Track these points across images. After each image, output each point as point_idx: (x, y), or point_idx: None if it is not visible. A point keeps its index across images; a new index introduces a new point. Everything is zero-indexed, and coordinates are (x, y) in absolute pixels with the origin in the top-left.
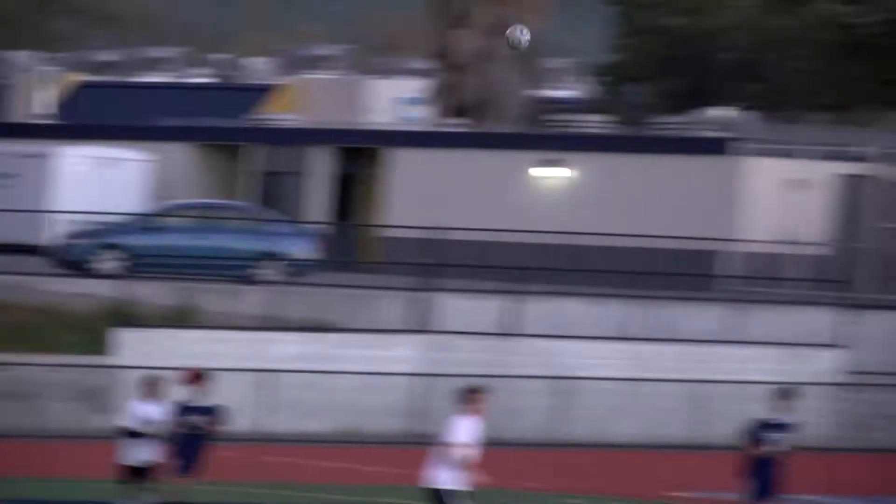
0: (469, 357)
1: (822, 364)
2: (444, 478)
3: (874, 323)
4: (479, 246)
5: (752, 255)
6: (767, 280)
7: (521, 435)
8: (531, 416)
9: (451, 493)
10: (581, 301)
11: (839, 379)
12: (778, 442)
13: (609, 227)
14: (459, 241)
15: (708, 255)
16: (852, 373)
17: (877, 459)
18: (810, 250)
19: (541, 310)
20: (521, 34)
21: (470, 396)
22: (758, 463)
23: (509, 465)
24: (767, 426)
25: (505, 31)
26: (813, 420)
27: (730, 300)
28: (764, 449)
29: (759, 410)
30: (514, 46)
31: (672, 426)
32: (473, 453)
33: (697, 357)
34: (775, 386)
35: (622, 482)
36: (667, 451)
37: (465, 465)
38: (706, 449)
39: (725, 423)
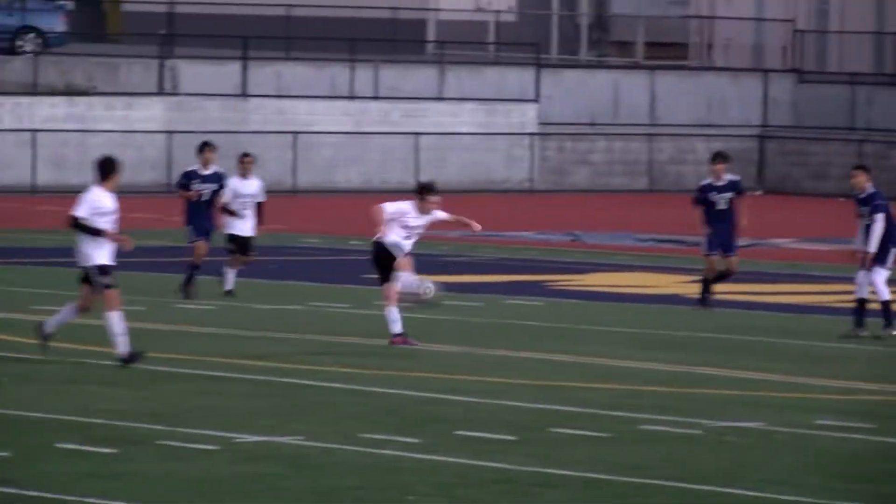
0: (209, 116)
1: (518, 117)
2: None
3: (564, 80)
4: (216, 18)
5: (458, 23)
6: (472, 44)
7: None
8: (270, 168)
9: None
10: (309, 65)
11: (532, 130)
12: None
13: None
14: (197, 14)
15: (420, 23)
16: (547, 123)
17: (568, 199)
18: (507, 17)
19: (273, 74)
20: None
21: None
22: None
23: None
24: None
25: None
26: (510, 167)
27: (435, 62)
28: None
29: (467, 158)
30: None
31: (391, 174)
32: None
33: (413, 112)
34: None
35: (351, 223)
36: (388, 195)
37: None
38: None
39: (437, 169)
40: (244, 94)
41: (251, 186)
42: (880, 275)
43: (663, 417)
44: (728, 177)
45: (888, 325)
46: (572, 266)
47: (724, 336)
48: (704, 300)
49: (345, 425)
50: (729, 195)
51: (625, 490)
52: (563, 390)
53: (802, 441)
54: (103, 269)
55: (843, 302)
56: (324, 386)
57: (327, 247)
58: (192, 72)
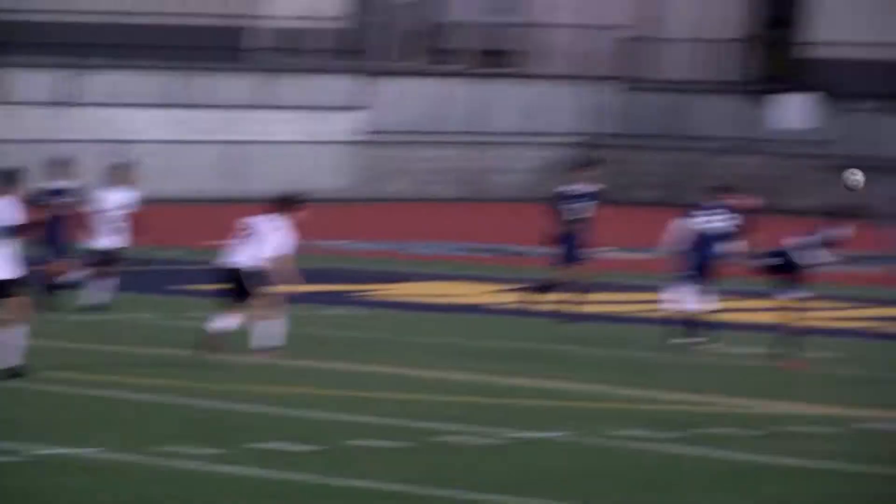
0: (33, 125)
1: (341, 125)
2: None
3: (389, 88)
4: (45, 25)
5: (278, 31)
6: (292, 51)
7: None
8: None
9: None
10: (133, 73)
11: (356, 138)
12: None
13: (154, 7)
14: (27, 22)
15: (237, 31)
16: (371, 132)
17: (390, 208)
18: (330, 24)
19: (96, 82)
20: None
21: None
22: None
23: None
24: None
25: None
26: (332, 175)
27: (259, 70)
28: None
29: (290, 166)
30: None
31: (212, 183)
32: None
33: (233, 121)
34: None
35: (178, 233)
36: (209, 205)
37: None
38: (242, 202)
39: (260, 178)
40: (68, 103)
41: (121, 197)
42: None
43: (466, 428)
44: (586, 185)
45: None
46: (391, 275)
47: (534, 346)
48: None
49: (146, 437)
50: (587, 203)
51: (425, 502)
52: (368, 402)
53: (604, 451)
54: None
55: (654, 312)
56: (127, 397)
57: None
58: (16, 78)
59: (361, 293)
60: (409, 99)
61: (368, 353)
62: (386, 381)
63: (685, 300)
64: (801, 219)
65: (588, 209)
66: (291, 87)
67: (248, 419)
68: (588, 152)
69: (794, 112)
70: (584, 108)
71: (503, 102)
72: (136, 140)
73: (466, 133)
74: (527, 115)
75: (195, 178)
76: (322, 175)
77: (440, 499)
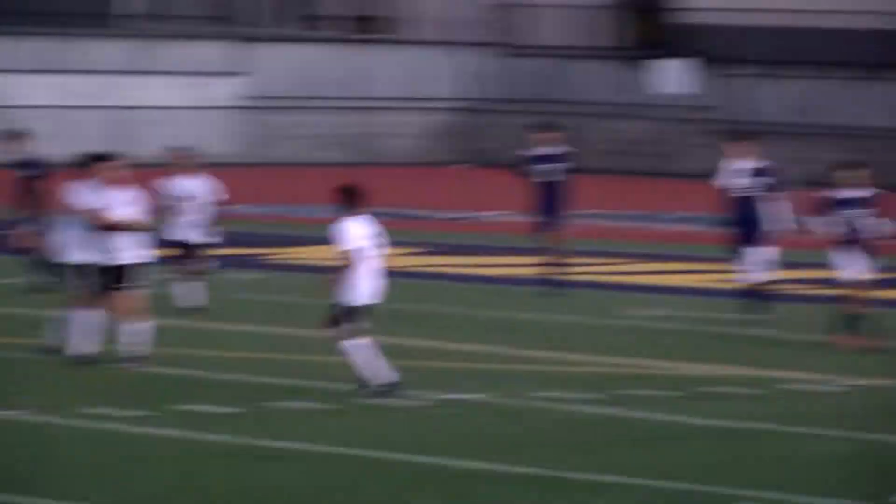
0: None
1: (222, 90)
2: None
3: (265, 54)
4: None
5: None
6: (163, 17)
7: None
8: None
9: None
10: (11, 38)
11: (238, 104)
12: None
13: None
14: None
15: None
16: (254, 97)
17: (275, 172)
18: None
19: None
20: None
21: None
22: None
23: None
24: None
25: None
26: (218, 140)
27: (134, 35)
28: None
29: (174, 132)
30: None
31: (92, 149)
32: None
33: (113, 86)
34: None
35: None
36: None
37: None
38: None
39: (143, 144)
40: None
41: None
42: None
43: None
44: (552, 147)
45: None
46: (284, 239)
47: (438, 308)
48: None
49: (67, 399)
50: (555, 166)
51: (356, 463)
52: (287, 364)
53: (524, 413)
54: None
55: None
56: (48, 360)
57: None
58: None
59: (258, 256)
60: (286, 65)
61: (272, 316)
62: (299, 343)
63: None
64: (684, 182)
65: (557, 172)
66: (167, 53)
67: (168, 382)
68: (548, 120)
69: (673, 77)
70: (462, 74)
71: (381, 69)
72: (17, 105)
73: (348, 98)
74: (406, 81)
75: (81, 143)
76: (208, 140)
77: (377, 460)
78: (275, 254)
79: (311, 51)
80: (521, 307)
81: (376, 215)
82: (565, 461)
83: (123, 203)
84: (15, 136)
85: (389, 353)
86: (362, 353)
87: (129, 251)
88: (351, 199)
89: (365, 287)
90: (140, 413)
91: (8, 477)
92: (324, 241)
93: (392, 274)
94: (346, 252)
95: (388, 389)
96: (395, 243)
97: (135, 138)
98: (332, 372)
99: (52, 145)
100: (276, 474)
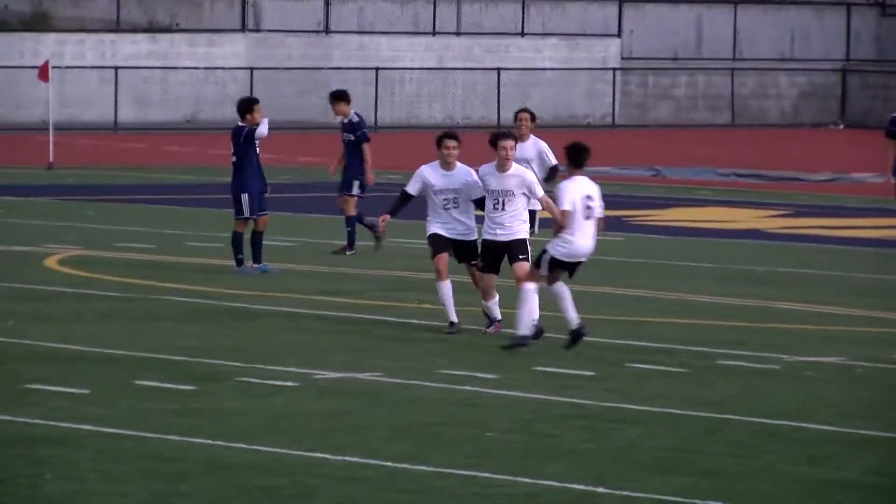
0: (291, 52)
1: (601, 52)
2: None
3: (646, 15)
4: None
5: None
6: None
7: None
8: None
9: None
10: (391, 1)
11: (617, 65)
12: None
13: None
14: None
15: None
16: (627, 58)
17: (654, 134)
18: None
19: (356, 9)
20: None
21: None
22: None
23: (335, 146)
24: None
25: None
26: (599, 101)
27: None
28: None
29: (549, 93)
30: None
31: (473, 110)
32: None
33: (495, 48)
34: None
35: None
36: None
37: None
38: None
39: (519, 105)
40: (326, 31)
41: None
42: None
43: (741, 352)
44: None
45: None
46: (653, 201)
47: (805, 271)
48: None
49: (423, 361)
50: None
51: (702, 426)
52: (641, 325)
53: (881, 376)
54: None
55: None
56: (401, 322)
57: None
58: (275, 8)
59: (626, 218)
60: (665, 25)
61: (635, 277)
62: (654, 305)
63: None
64: None
65: None
66: (550, 14)
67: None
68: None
69: None
70: (838, 34)
71: (758, 29)
72: (391, 67)
73: (722, 59)
74: (783, 40)
75: (457, 104)
76: (581, 102)
77: (727, 422)
78: (641, 216)
79: (687, 11)
80: (887, 270)
81: (740, 176)
82: None
83: None
84: (338, 97)
85: (752, 315)
86: (534, 299)
87: None
88: (576, 159)
89: (576, 245)
90: (498, 376)
91: None
92: (690, 202)
93: (761, 236)
94: (563, 211)
95: (536, 337)
96: (761, 205)
97: (509, 100)
98: (685, 335)
99: (429, 107)
100: (629, 436)
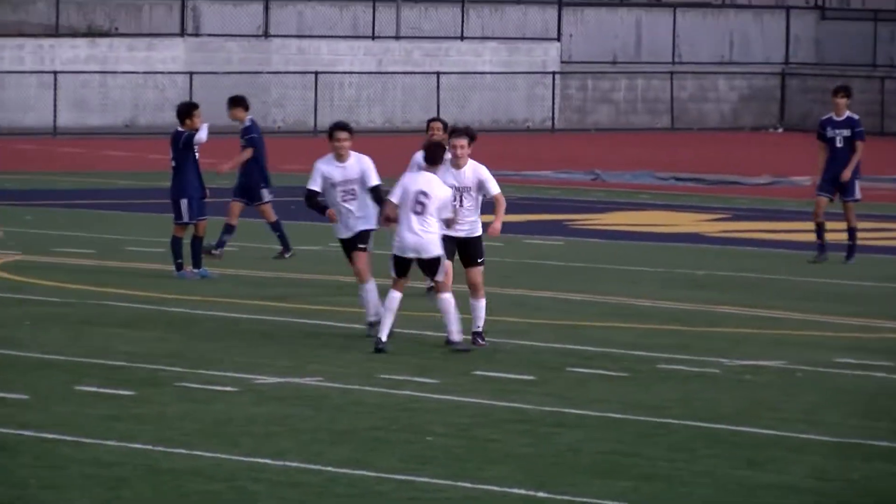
0: (231, 56)
1: (541, 56)
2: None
3: (586, 19)
4: None
5: None
6: None
7: (281, 123)
8: (291, 109)
9: None
10: (331, 5)
11: (556, 69)
12: None
13: None
14: None
15: None
16: (566, 62)
17: (594, 138)
18: None
19: (295, 13)
20: None
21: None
22: None
23: (275, 149)
24: None
25: None
26: (538, 105)
27: (461, 1)
28: None
29: (488, 97)
30: None
31: (413, 113)
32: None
33: (434, 51)
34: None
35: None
36: (408, 136)
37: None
38: None
39: (459, 108)
40: (266, 35)
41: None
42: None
43: (681, 356)
44: (847, 113)
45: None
46: (593, 205)
47: (745, 274)
48: (822, 247)
49: (363, 366)
50: (846, 132)
51: (643, 429)
52: (582, 329)
53: (822, 379)
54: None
55: (870, 240)
56: (342, 326)
57: None
58: (214, 12)
59: (566, 222)
60: (604, 29)
61: (575, 282)
62: (595, 309)
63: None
64: None
65: (847, 139)
66: (490, 17)
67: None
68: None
69: None
70: (778, 38)
71: (698, 32)
72: (331, 71)
73: (661, 63)
74: (722, 44)
75: (395, 108)
76: (520, 105)
77: (668, 426)
78: (581, 220)
79: (627, 15)
80: (824, 273)
81: (679, 180)
82: (863, 428)
83: None
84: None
85: (692, 319)
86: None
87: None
88: (431, 157)
89: (402, 238)
90: (435, 380)
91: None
92: (630, 206)
93: (701, 240)
94: (392, 203)
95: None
96: (700, 208)
97: (449, 104)
98: (626, 339)
99: (369, 111)
100: (569, 440)
